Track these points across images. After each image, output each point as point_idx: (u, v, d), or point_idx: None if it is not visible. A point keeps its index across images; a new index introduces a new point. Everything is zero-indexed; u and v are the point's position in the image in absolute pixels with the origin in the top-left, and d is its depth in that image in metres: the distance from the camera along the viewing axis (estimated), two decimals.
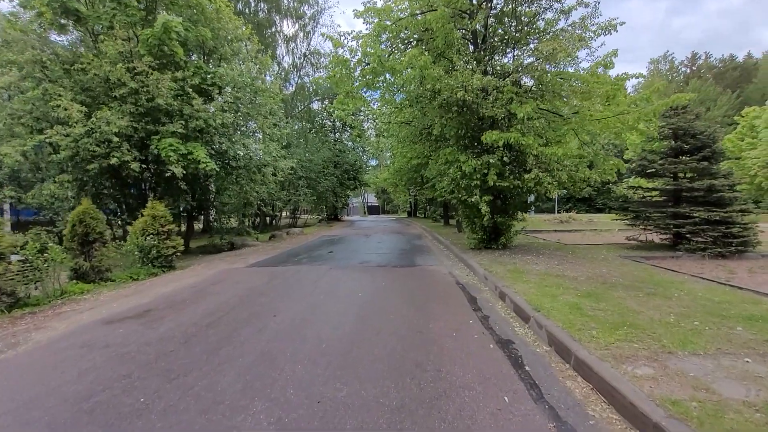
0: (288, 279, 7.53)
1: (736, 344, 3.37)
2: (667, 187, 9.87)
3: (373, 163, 40.32)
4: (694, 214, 8.87)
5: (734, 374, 2.82)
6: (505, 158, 8.35)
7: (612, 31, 8.28)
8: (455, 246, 11.13)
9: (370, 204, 66.98)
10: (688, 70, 61.19)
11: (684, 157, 9.50)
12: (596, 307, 4.57)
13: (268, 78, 18.71)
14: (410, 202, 40.96)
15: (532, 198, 11.69)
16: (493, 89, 8.19)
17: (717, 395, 2.52)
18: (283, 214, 29.98)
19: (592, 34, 8.27)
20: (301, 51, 26.39)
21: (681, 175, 9.81)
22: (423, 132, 10.47)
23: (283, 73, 25.73)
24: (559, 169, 8.21)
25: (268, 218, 23.63)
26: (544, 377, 3.21)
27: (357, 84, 9.28)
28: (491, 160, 8.11)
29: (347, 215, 51.24)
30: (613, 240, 11.96)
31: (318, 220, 31.57)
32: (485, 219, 8.60)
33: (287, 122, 21.84)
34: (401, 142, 13.16)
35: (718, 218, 8.66)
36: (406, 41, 9.79)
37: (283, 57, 26.64)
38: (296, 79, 26.57)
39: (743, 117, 31.09)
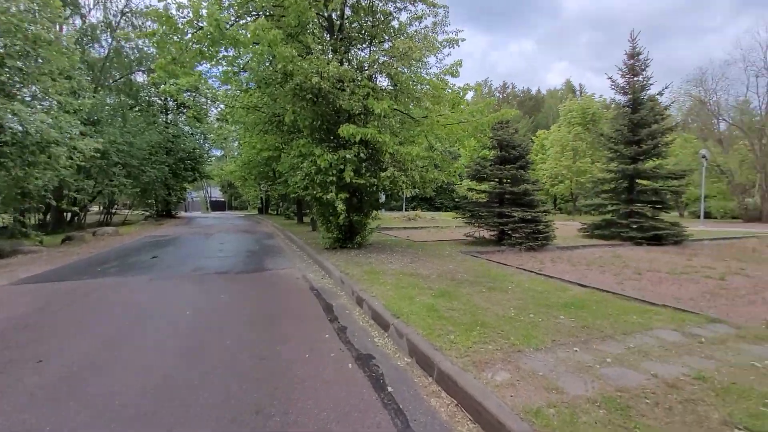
0: (78, 300, 5.51)
1: (564, 333, 3.76)
2: (495, 190, 11.52)
3: (218, 153, 35.96)
4: (514, 214, 10.55)
5: (571, 367, 3.04)
6: (362, 155, 8.13)
7: (455, 45, 9.03)
8: (310, 246, 10.49)
9: (214, 199, 59.90)
10: (501, 96, 75.97)
11: (507, 165, 11.23)
12: (450, 307, 4.61)
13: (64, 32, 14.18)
14: (261, 197, 38.27)
15: (383, 197, 12.02)
16: (350, 81, 7.86)
17: (565, 394, 2.60)
18: (95, 209, 23.73)
19: (440, 45, 8.83)
20: (118, 6, 21.12)
21: (504, 180, 11.57)
22: (273, 120, 9.42)
23: (89, 30, 20.08)
24: (412, 168, 8.48)
25: (68, 214, 18.12)
26: (408, 398, 2.88)
27: (189, 52, 7.57)
28: (348, 156, 7.77)
29: (185, 211, 44.52)
30: (453, 236, 13.37)
31: (144, 216, 26.15)
32: (341, 218, 8.23)
33: (96, 93, 17.11)
34: (249, 131, 11.70)
35: (530, 217, 10.52)
36: (254, 12, 8.56)
37: (91, 9, 20.86)
38: (110, 41, 21.13)
39: (536, 137, 40.22)
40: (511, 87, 78.54)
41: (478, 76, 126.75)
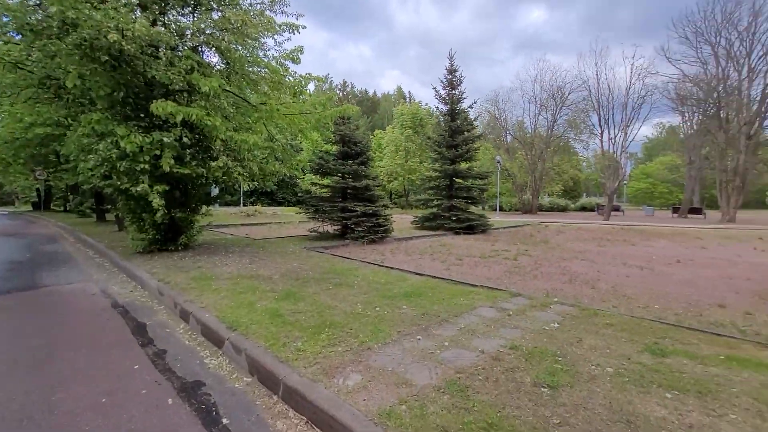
0: None
1: (407, 323, 3.93)
2: (338, 185, 11.66)
3: None
4: (356, 208, 10.91)
5: (416, 356, 3.15)
6: (185, 139, 6.88)
7: (296, 31, 8.59)
8: (114, 250, 8.36)
9: None
10: (342, 93, 78.69)
11: (349, 161, 11.51)
12: (296, 309, 4.28)
13: None
14: (38, 189, 29.05)
15: (216, 190, 10.65)
16: (169, 49, 6.52)
17: (414, 387, 2.64)
18: None
19: (278, 27, 8.25)
20: None
21: (347, 175, 11.82)
22: (50, 84, 7.04)
23: None
24: (250, 159, 7.68)
25: None
26: (249, 427, 2.44)
27: None
28: (166, 140, 6.43)
29: None
30: (296, 232, 12.96)
31: None
32: (159, 214, 6.79)
33: None
34: (8, 96, 8.47)
35: (371, 211, 11.07)
36: None
37: None
38: None
39: (374, 136, 43.23)
40: (350, 86, 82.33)
41: (319, 71, 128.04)
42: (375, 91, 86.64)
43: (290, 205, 37.07)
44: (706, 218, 27.00)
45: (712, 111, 27.01)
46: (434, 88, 16.83)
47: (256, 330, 3.63)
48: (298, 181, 19.47)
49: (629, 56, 45.21)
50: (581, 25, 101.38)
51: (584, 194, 56.73)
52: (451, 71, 16.43)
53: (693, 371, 2.92)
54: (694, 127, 30.45)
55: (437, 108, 17.49)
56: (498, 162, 27.53)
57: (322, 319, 3.95)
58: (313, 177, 13.24)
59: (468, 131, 16.13)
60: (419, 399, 2.47)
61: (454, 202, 14.76)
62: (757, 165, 27.34)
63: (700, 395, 2.55)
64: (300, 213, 12.10)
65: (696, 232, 15.03)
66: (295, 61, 8.13)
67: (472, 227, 14.19)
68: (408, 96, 74.56)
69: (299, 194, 12.60)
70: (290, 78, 8.14)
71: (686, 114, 30.59)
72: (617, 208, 31.58)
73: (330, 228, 11.91)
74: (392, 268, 7.07)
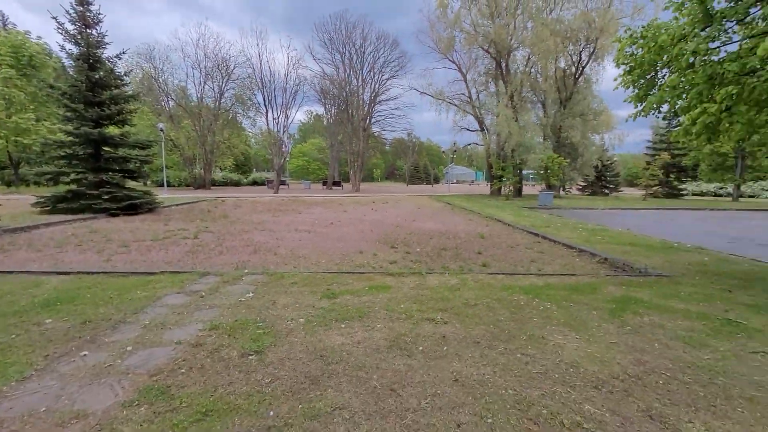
0: None
1: (58, 341, 2.91)
2: None
3: None
4: None
5: (87, 377, 2.41)
6: None
7: None
8: None
9: None
10: None
11: None
12: None
13: None
14: None
15: None
16: None
17: (92, 415, 2.03)
18: None
19: None
20: None
21: None
22: None
23: None
24: None
25: None
26: None
27: None
28: None
29: None
30: None
31: None
32: None
33: None
34: None
35: None
36: None
37: None
38: None
39: None
40: None
41: None
42: None
43: None
44: (343, 189, 35.75)
45: (342, 106, 35.53)
46: (55, 18, 12.32)
47: None
48: None
49: (285, 45, 51.02)
50: (239, 1, 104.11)
51: (254, 169, 60.74)
52: (83, 2, 12.60)
53: (354, 303, 3.90)
54: (333, 118, 39.07)
55: (64, 48, 12.91)
56: (161, 130, 24.40)
57: None
58: None
59: (117, 87, 13.16)
60: (104, 426, 1.93)
61: (106, 177, 11.90)
62: (369, 150, 39.02)
63: (361, 318, 3.46)
64: None
65: (339, 199, 19.73)
66: None
67: (135, 206, 12.00)
68: (1, 19, 50.98)
69: None
70: None
71: (327, 105, 38.65)
72: (284, 182, 36.13)
73: None
74: (13, 272, 4.91)
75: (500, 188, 25.43)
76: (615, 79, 6.07)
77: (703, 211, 17.60)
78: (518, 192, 25.39)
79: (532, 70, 24.97)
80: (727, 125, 4.92)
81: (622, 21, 21.98)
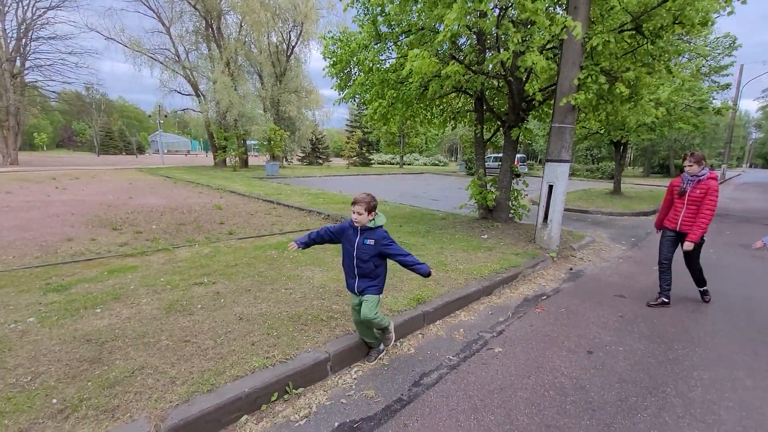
0: None
1: None
2: None
3: None
4: None
5: None
6: None
7: None
8: None
9: None
10: None
11: None
12: None
13: None
14: None
15: None
16: None
17: None
18: None
19: None
20: None
21: None
22: None
23: None
24: None
25: None
26: None
27: None
28: None
29: None
30: None
31: None
32: None
33: None
34: None
35: None
36: None
37: None
38: None
39: None
40: None
41: None
42: None
43: None
44: None
45: None
46: None
47: None
48: None
49: None
50: None
51: None
52: None
53: (98, 288, 3.56)
54: None
55: None
56: None
57: None
58: None
59: None
60: None
61: None
62: (27, 106, 28.13)
63: (117, 299, 3.30)
64: None
65: None
66: None
67: None
68: None
69: None
70: None
71: None
72: None
73: None
74: None
75: (225, 159, 24.97)
76: (323, 69, 7.60)
77: (385, 175, 23.92)
78: (244, 163, 25.75)
79: (246, 39, 25.16)
80: (392, 115, 7.31)
81: (321, 12, 25.54)
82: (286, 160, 31.16)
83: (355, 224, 2.52)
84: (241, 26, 24.52)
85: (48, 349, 2.47)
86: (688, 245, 3.64)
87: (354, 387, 2.45)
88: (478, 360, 2.83)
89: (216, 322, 2.91)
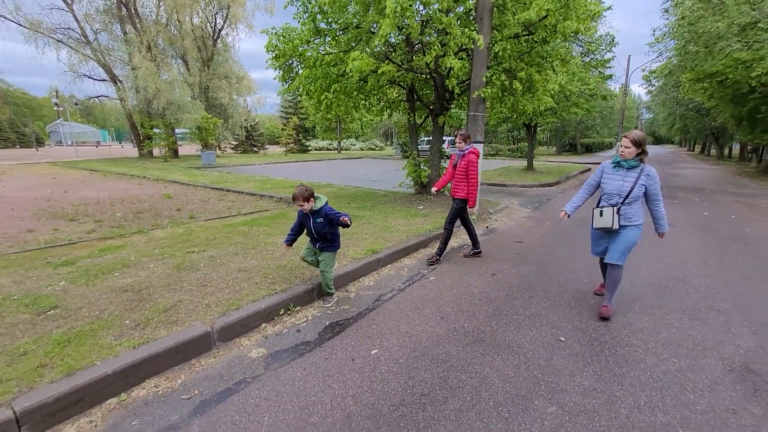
0: None
1: None
2: None
3: None
4: None
5: None
6: None
7: None
8: None
9: None
10: None
11: None
12: None
13: None
14: None
15: None
16: None
17: None
18: None
19: None
20: None
21: None
22: None
23: None
24: None
25: None
26: None
27: None
28: None
29: None
30: None
31: None
32: None
33: None
34: None
35: None
36: None
37: None
38: None
39: None
40: None
41: None
42: None
43: None
44: None
45: None
46: None
47: None
48: None
49: None
50: None
51: None
52: None
53: (103, 261, 4.21)
54: None
55: None
56: None
57: None
58: None
59: None
60: None
61: None
62: None
63: (127, 267, 4.01)
64: None
65: None
66: None
67: None
68: None
69: None
70: None
71: None
72: None
73: None
74: None
75: (152, 150, 23.87)
76: (266, 60, 8.26)
77: (324, 161, 24.60)
78: (175, 153, 24.81)
79: (167, 21, 23.92)
80: (337, 105, 8.27)
81: None
82: (220, 149, 30.32)
83: (304, 212, 3.42)
84: (160, 6, 23.26)
85: (96, 297, 3.23)
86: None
87: (335, 305, 3.55)
88: (418, 285, 4.07)
89: (221, 273, 3.81)
